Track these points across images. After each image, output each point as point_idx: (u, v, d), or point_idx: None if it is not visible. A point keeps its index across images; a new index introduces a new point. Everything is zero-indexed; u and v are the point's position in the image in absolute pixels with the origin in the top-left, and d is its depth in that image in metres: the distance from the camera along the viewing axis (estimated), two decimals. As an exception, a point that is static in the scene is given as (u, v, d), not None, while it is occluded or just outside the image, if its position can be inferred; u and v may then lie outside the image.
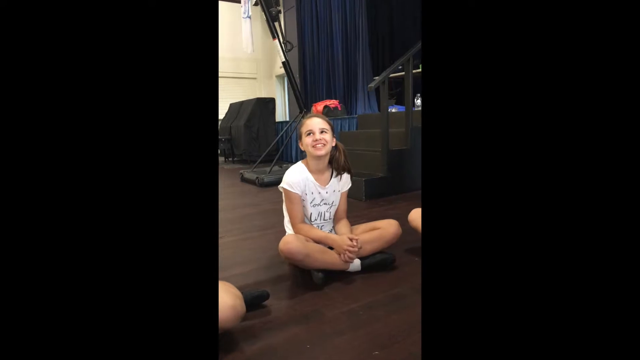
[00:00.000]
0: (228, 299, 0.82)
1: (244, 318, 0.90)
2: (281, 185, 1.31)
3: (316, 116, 1.30)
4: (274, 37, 3.52)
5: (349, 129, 3.94)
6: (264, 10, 3.45)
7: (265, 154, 3.90)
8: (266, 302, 1.05)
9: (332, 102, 4.36)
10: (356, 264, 1.25)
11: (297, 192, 1.28)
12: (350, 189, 1.42)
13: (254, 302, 1.01)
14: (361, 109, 4.48)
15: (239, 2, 4.62)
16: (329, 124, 1.30)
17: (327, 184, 1.33)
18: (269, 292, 1.06)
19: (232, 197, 2.84)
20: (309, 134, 1.26)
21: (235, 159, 5.45)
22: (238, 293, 0.88)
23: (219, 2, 6.24)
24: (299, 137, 1.32)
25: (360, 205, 2.32)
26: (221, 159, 5.70)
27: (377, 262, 1.27)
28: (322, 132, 1.26)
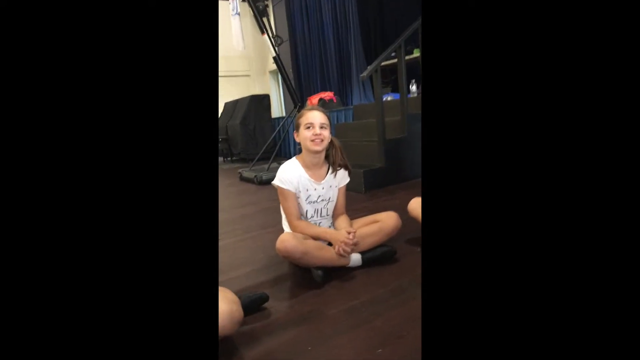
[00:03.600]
0: (224, 306, 0.80)
1: (242, 323, 0.88)
2: (274, 182, 1.28)
3: (317, 109, 1.26)
4: (262, 33, 3.47)
5: (345, 120, 3.90)
6: (250, 6, 3.39)
7: (262, 151, 3.87)
8: (266, 304, 1.03)
9: (327, 95, 4.31)
10: (356, 258, 1.23)
11: (289, 188, 1.25)
12: (349, 181, 1.39)
13: (253, 305, 0.99)
14: (357, 99, 4.43)
15: (227, -1, 4.56)
16: (329, 119, 1.27)
17: (323, 179, 1.31)
18: (268, 295, 1.04)
19: (231, 196, 2.83)
20: (308, 127, 1.23)
21: (234, 158, 5.42)
22: (234, 298, 0.87)
23: None
24: (295, 128, 1.28)
25: (360, 198, 2.30)
26: (219, 159, 5.68)
27: (378, 256, 1.25)
28: (321, 127, 1.23)
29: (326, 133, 1.24)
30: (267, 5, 3.67)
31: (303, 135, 1.24)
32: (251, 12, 3.56)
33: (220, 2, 5.98)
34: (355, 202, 2.15)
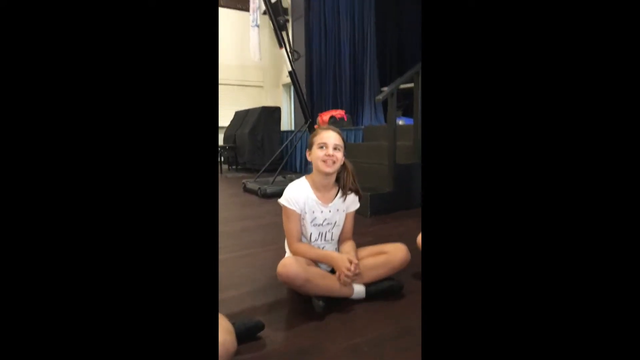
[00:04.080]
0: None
1: (235, 353, 0.81)
2: (280, 200, 1.23)
3: (333, 129, 1.21)
4: (280, 46, 3.48)
5: (354, 141, 3.86)
6: (271, 19, 3.41)
7: (269, 163, 3.83)
8: (261, 333, 0.96)
9: (339, 113, 4.29)
10: (360, 290, 1.16)
11: (295, 209, 1.20)
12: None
13: (248, 333, 0.92)
14: (367, 120, 4.41)
15: (248, 10, 4.61)
16: (344, 141, 1.21)
17: (331, 202, 1.25)
18: (264, 323, 0.97)
19: (232, 208, 2.76)
20: (321, 146, 1.18)
21: (239, 167, 5.39)
22: (229, 326, 0.80)
23: (229, 10, 6.28)
24: (308, 147, 1.23)
25: (365, 222, 2.23)
26: (224, 167, 5.64)
27: (383, 290, 1.18)
28: (335, 148, 1.17)
29: (339, 155, 1.19)
30: (287, 20, 3.69)
31: (315, 155, 1.19)
32: (270, 25, 3.58)
33: (241, 13, 6.08)
34: (360, 226, 2.08)
